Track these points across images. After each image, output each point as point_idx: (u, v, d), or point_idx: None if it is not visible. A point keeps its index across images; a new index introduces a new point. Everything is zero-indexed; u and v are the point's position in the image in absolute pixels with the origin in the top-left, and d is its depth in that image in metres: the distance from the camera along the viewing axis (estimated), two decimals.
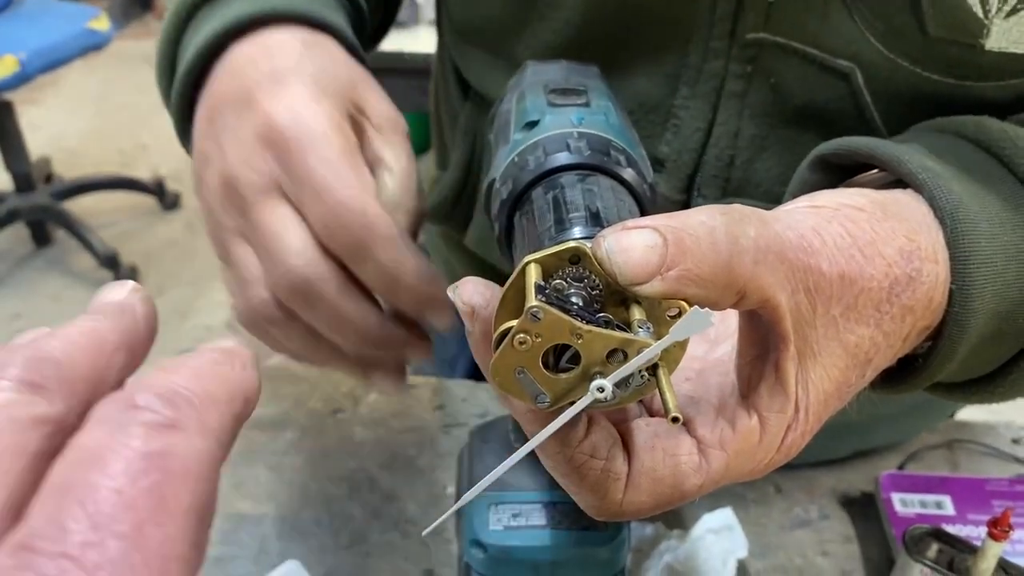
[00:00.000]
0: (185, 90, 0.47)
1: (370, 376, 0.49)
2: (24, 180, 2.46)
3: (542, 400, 0.28)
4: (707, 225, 0.28)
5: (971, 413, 0.76)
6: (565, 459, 0.30)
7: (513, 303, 0.28)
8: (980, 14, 0.41)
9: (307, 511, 0.63)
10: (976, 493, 0.63)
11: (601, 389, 0.27)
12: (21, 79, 2.12)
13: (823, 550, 0.62)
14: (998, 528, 0.42)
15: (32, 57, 2.13)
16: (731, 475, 0.32)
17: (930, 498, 0.63)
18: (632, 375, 0.29)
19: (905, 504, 0.62)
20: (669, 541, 0.59)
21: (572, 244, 0.28)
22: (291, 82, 0.43)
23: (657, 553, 0.59)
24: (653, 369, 0.29)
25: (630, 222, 0.29)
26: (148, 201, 2.74)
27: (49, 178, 2.70)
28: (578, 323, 0.26)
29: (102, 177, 2.71)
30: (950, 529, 0.53)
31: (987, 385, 0.41)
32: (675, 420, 0.27)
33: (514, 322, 0.27)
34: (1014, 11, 0.41)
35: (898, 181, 0.38)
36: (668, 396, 0.28)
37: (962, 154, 0.40)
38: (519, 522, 0.48)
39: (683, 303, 0.28)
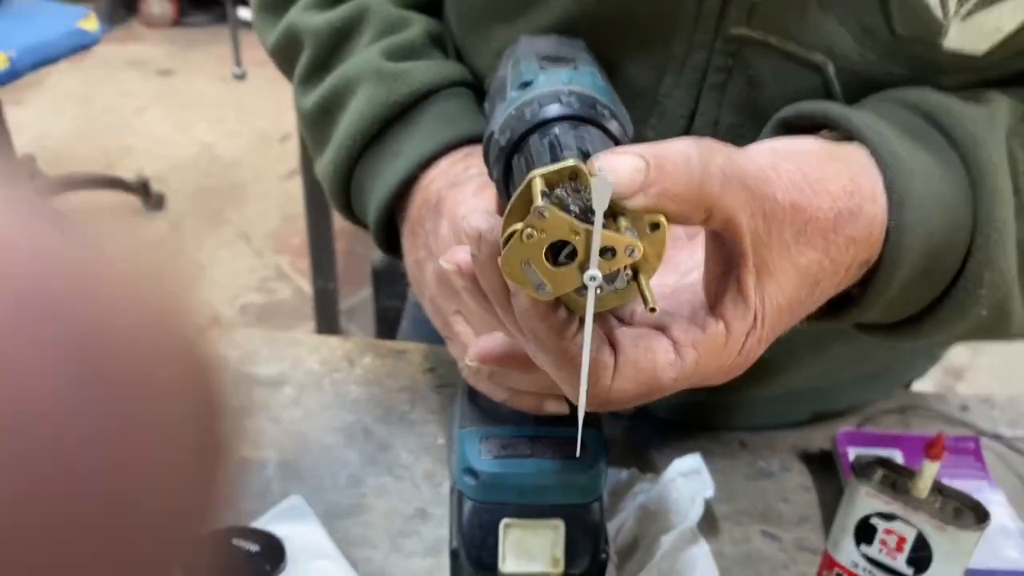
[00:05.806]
0: (381, 216, 0.58)
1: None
2: None
3: (543, 289, 0.33)
4: (684, 153, 0.34)
5: (924, 385, 0.82)
6: (561, 350, 0.35)
7: (520, 211, 0.33)
8: (939, 16, 0.46)
9: (306, 457, 0.68)
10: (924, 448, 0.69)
11: (593, 278, 0.32)
12: (10, 76, 2.15)
13: (784, 497, 0.67)
14: (933, 450, 0.48)
15: (22, 55, 2.16)
16: (701, 372, 0.37)
17: (883, 452, 0.68)
18: (617, 275, 0.34)
19: (860, 457, 0.68)
20: (643, 484, 0.64)
21: (571, 162, 0.33)
22: (463, 183, 0.53)
23: (631, 495, 0.64)
24: (634, 274, 0.34)
25: (619, 148, 0.34)
26: (132, 201, 2.76)
27: (33, 176, 2.72)
28: (576, 222, 0.31)
29: (86, 176, 2.74)
30: None
31: (915, 323, 0.47)
32: (652, 311, 0.32)
33: (521, 224, 0.32)
34: (969, 15, 0.46)
35: (848, 138, 0.44)
36: (647, 292, 0.33)
37: (904, 117, 0.46)
38: (507, 452, 0.53)
39: (661, 217, 0.34)
